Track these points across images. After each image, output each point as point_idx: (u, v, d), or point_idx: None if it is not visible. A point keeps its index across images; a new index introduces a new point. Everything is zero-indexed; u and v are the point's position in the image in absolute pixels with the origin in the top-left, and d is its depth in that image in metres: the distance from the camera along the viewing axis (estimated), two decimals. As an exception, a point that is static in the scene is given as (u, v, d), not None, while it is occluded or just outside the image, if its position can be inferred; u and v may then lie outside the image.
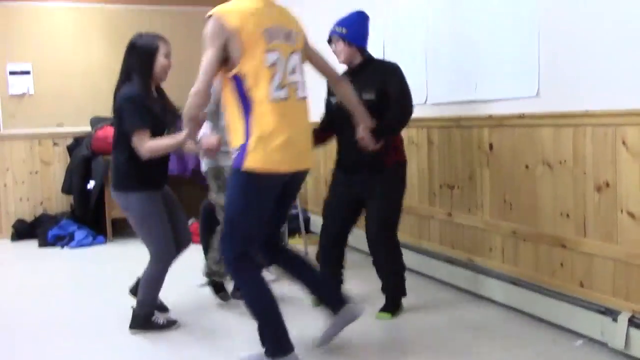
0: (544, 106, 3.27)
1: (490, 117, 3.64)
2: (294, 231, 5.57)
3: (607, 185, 2.94)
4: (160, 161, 3.33)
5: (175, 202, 3.54)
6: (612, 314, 2.91)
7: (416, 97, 4.28)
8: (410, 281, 4.27)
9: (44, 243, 5.94)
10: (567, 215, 3.18)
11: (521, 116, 3.41)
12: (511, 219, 3.56)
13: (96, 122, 6.22)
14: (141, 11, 6.66)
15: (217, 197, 3.71)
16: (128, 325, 3.36)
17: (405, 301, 3.71)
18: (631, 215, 2.83)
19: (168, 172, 3.57)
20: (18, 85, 6.41)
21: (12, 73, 6.39)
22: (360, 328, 3.25)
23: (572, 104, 3.10)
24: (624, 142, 2.84)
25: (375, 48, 4.73)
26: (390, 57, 4.59)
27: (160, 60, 3.26)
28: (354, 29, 3.49)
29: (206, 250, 4.20)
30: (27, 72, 6.41)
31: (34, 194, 6.49)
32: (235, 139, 2.71)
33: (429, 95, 4.19)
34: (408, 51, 4.38)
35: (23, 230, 6.29)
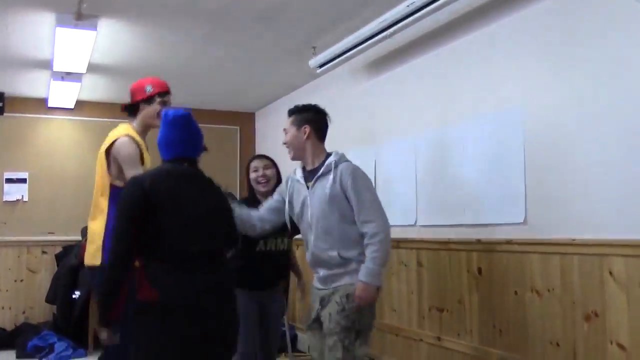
0: (531, 233, 3.32)
1: (478, 241, 3.68)
2: (280, 350, 5.43)
3: (596, 315, 2.93)
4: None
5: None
6: None
7: (406, 219, 4.36)
8: (398, 408, 4.13)
9: (22, 354, 5.75)
10: (557, 344, 3.14)
11: (509, 242, 3.45)
12: (501, 346, 3.50)
13: (87, 231, 6.22)
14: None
15: None
16: None
17: None
18: (621, 346, 2.80)
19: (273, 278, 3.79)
20: (13, 192, 6.47)
21: (8, 181, 6.47)
22: None
23: (558, 232, 3.15)
24: (610, 273, 2.86)
25: (367, 166, 4.85)
26: (380, 177, 4.71)
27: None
28: None
29: None
30: (24, 180, 6.50)
31: (16, 303, 6.38)
32: None
33: (419, 217, 4.25)
34: (399, 173, 4.49)
35: (2, 340, 6.10)
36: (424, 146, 4.24)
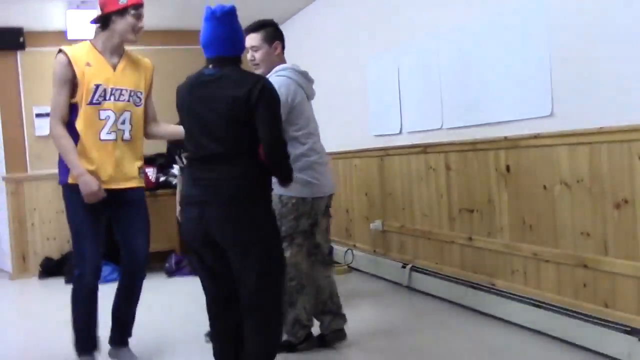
0: (558, 125, 3.26)
1: (505, 138, 3.64)
2: (316, 261, 5.54)
3: (626, 202, 2.91)
4: None
5: None
6: (638, 333, 2.84)
7: (432, 123, 4.32)
8: (432, 306, 4.25)
9: (70, 280, 6.00)
10: (588, 235, 3.13)
11: (536, 136, 3.40)
12: (532, 241, 3.52)
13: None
14: (166, 51, 6.81)
15: None
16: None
17: (427, 326, 3.66)
18: (652, 231, 2.79)
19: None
20: (44, 127, 6.56)
21: (38, 115, 6.56)
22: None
23: (586, 122, 3.09)
24: (640, 158, 2.81)
25: (391, 73, 4.78)
26: (404, 82, 4.64)
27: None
28: None
29: None
30: (53, 114, 6.59)
31: (60, 233, 6.58)
32: None
33: (444, 120, 4.20)
34: (422, 76, 4.41)
35: (50, 268, 6.37)
36: (446, 46, 4.13)
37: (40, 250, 6.54)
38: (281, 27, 7.20)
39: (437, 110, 4.26)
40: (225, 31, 2.60)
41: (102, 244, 3.18)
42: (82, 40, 5.05)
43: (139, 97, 3.16)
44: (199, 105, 2.59)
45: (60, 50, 3.01)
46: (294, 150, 3.04)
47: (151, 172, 6.24)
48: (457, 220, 4.19)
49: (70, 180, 3.04)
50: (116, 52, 3.12)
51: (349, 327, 3.52)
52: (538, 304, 3.45)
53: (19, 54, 6.53)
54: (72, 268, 6.11)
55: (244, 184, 2.57)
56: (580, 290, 3.21)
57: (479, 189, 3.94)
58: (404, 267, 4.77)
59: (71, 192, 3.05)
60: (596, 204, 3.07)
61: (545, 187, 3.38)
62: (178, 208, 4.25)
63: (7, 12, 5.79)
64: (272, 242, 2.66)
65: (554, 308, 3.35)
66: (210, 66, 2.62)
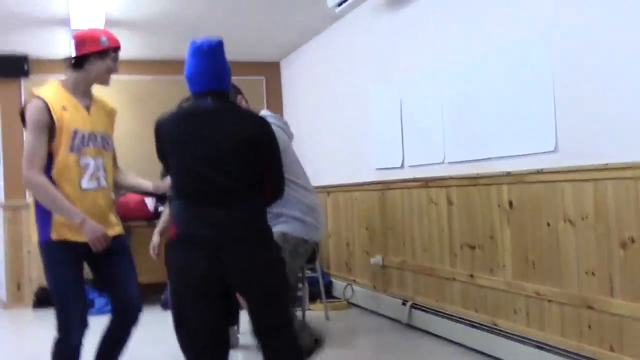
0: (563, 161, 3.19)
1: (508, 174, 3.56)
2: (314, 296, 5.44)
3: (632, 241, 2.81)
4: None
5: None
6: (646, 379, 2.73)
7: (434, 157, 4.26)
8: (432, 345, 4.12)
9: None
10: (593, 274, 3.03)
11: (540, 172, 3.32)
12: (535, 280, 3.41)
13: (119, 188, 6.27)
14: (164, 81, 6.80)
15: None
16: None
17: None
18: (659, 272, 2.69)
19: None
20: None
21: (39, 142, 6.53)
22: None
23: (591, 158, 3.01)
24: (646, 195, 2.73)
25: (393, 106, 4.74)
26: (407, 116, 4.60)
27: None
28: None
29: None
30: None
31: (57, 262, 6.49)
32: None
33: (447, 154, 4.13)
34: (425, 110, 4.36)
35: (45, 298, 6.26)
36: (449, 81, 4.09)
37: (36, 279, 6.44)
38: (283, 61, 7.28)
39: (439, 144, 4.19)
40: (215, 65, 2.54)
41: (87, 303, 2.98)
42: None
43: (108, 142, 2.95)
44: (199, 138, 2.46)
45: (34, 96, 2.77)
46: (297, 195, 3.09)
47: (150, 202, 6.16)
48: (459, 256, 4.09)
49: (54, 237, 2.75)
50: (87, 93, 2.92)
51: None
52: (541, 346, 3.33)
53: (23, 81, 6.53)
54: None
55: (261, 219, 2.54)
56: (585, 332, 3.09)
57: (481, 225, 3.85)
58: (404, 304, 4.65)
59: (54, 251, 2.77)
60: (601, 242, 2.98)
61: (549, 224, 3.29)
62: (156, 240, 4.07)
63: (11, 39, 5.81)
64: (284, 274, 2.62)
65: (557, 350, 3.22)
66: (210, 99, 2.52)
